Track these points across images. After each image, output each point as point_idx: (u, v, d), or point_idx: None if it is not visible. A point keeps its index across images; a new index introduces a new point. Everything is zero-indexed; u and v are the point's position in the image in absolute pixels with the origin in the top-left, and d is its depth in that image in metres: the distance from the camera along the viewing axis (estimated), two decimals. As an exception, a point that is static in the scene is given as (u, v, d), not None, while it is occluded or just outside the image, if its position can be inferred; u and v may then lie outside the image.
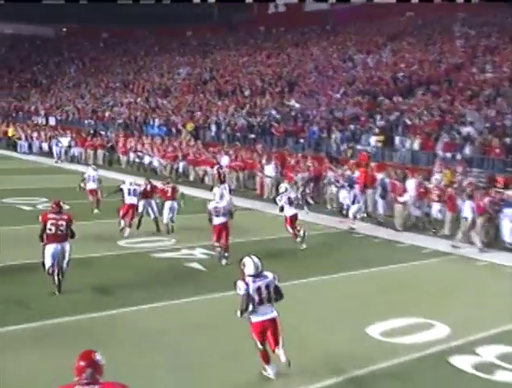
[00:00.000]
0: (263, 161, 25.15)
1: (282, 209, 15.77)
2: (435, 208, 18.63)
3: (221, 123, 36.85)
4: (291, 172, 23.55)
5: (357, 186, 19.89)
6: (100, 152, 34.71)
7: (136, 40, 64.63)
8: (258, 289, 7.91)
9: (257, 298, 7.89)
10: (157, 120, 41.00)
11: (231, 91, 42.52)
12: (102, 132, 39.81)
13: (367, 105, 32.39)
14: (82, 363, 4.85)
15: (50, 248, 11.16)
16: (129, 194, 17.01)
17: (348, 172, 21.32)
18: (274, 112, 35.71)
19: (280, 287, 8.15)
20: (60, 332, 9.50)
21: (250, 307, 7.87)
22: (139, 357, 8.62)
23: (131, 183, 17.28)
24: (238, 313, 7.91)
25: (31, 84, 61.38)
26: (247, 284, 7.89)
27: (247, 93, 41.39)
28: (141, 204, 17.34)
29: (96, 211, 20.23)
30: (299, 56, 45.29)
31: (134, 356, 8.58)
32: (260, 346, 8.00)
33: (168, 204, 17.30)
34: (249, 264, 8.04)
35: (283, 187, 16.55)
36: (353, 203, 18.81)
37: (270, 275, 8.07)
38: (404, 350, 9.29)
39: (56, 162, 35.60)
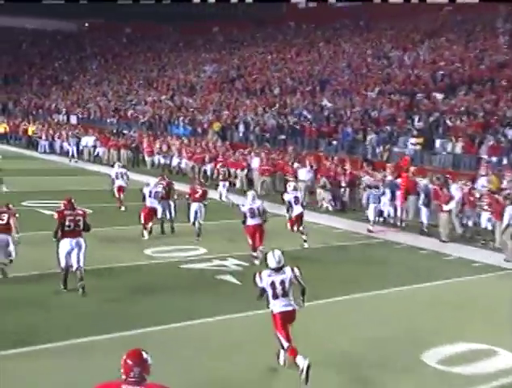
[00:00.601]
0: (296, 164, 24.43)
1: (288, 210, 16.10)
2: (484, 217, 17.81)
3: (250, 123, 36.28)
4: (326, 176, 22.80)
5: (399, 192, 19.12)
6: (124, 152, 34.23)
7: (160, 35, 64.08)
8: (272, 284, 8.41)
9: (271, 292, 8.41)
10: (182, 120, 40.53)
11: (259, 90, 41.93)
12: (126, 132, 39.34)
13: (404, 105, 31.59)
14: (130, 361, 4.96)
15: (66, 243, 11.45)
16: (150, 196, 17.09)
17: (389, 177, 20.50)
18: (305, 112, 35.02)
19: (302, 280, 8.55)
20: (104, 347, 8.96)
21: (271, 300, 8.43)
22: (175, 376, 8.00)
23: (155, 185, 17.37)
24: (257, 297, 8.65)
25: (51, 81, 61.27)
26: (261, 277, 8.50)
27: (276, 91, 40.77)
28: (159, 206, 17.41)
29: (123, 208, 20.57)
30: (330, 54, 44.56)
31: (171, 374, 7.97)
32: (286, 344, 8.27)
33: (195, 206, 17.12)
34: (271, 258, 8.58)
35: (291, 185, 16.94)
36: (368, 204, 18.90)
37: (288, 271, 8.51)
38: (465, 382, 8.56)
39: (71, 161, 35.32)
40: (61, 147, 39.12)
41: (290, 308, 8.43)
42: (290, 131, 33.76)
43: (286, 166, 25.78)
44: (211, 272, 13.60)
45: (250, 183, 25.99)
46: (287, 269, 8.56)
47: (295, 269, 8.59)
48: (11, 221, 12.42)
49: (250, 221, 14.53)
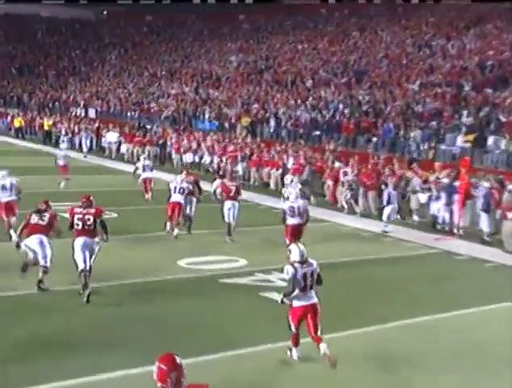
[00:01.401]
0: (338, 163, 23.40)
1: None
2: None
3: (281, 117, 35.44)
4: (369, 177, 21.75)
5: (457, 196, 18.06)
6: (150, 149, 33.41)
7: (183, 24, 63.65)
8: (305, 276, 8.74)
9: (302, 284, 8.70)
10: (207, 114, 39.79)
11: (290, 82, 41.02)
12: (148, 127, 38.56)
13: (450, 98, 30.41)
14: (164, 367, 4.84)
15: (79, 241, 11.44)
16: (175, 191, 17.02)
17: (445, 179, 19.40)
18: (341, 106, 34.01)
19: (321, 274, 8.97)
20: None
21: (296, 292, 8.71)
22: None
23: (181, 180, 17.23)
24: (280, 297, 8.98)
25: (68, 72, 61.15)
26: (296, 269, 8.73)
27: (309, 84, 39.86)
28: (228, 204, 17.22)
29: (147, 196, 21.56)
30: (366, 43, 43.48)
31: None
32: (294, 330, 8.87)
33: (228, 204, 16.89)
34: (295, 251, 8.87)
35: (288, 178, 17.87)
36: (387, 204, 18.53)
37: (314, 263, 8.92)
38: None
39: (85, 157, 34.86)
40: (81, 143, 38.34)
41: (314, 301, 8.83)
42: (325, 126, 32.85)
43: (324, 166, 24.71)
44: (255, 289, 12.63)
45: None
46: (313, 261, 8.96)
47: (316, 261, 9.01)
48: (54, 222, 12.19)
49: (290, 220, 14.45)
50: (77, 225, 11.51)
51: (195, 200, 17.90)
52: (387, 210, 18.57)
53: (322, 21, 52.20)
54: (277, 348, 9.41)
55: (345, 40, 45.97)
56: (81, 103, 50.43)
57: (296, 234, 14.33)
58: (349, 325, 10.61)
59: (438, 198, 18.98)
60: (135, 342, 9.59)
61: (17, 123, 44.23)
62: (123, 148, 33.56)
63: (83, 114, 48.77)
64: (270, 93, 40.04)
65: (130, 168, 27.12)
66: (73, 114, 48.58)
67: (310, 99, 36.55)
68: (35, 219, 12.05)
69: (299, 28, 52.58)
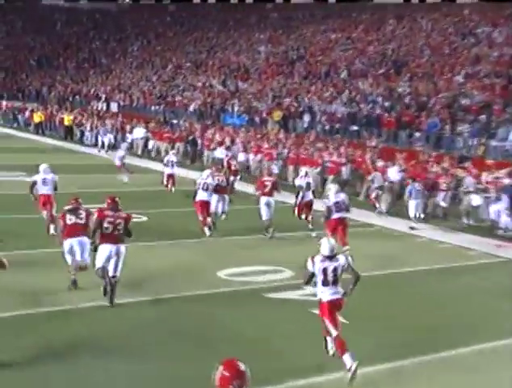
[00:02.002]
0: (382, 161, 22.30)
1: (297, 195, 16.83)
2: None
3: (316, 111, 34.60)
4: (418, 177, 20.62)
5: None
6: (179, 145, 32.53)
7: (208, 13, 63.07)
8: (324, 270, 8.78)
9: (322, 278, 8.79)
10: (236, 107, 39.02)
11: (324, 73, 40.10)
12: (175, 121, 37.73)
13: (500, 90, 29.21)
14: (227, 373, 4.76)
15: (105, 249, 11.08)
16: (199, 188, 16.85)
17: (507, 180, 18.27)
18: (380, 99, 32.94)
19: (355, 268, 8.96)
20: None
21: (319, 286, 8.86)
22: None
23: (208, 175, 17.01)
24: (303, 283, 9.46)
25: (89, 64, 61.00)
26: (314, 262, 8.83)
27: (344, 75, 38.85)
28: (214, 199, 17.27)
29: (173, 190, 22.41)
30: (405, 31, 42.35)
31: None
32: (334, 332, 8.69)
33: (264, 200, 16.82)
34: (325, 245, 8.94)
35: (303, 170, 18.08)
36: (411, 199, 18.56)
37: (342, 259, 8.92)
38: None
39: (106, 151, 34.22)
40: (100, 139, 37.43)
41: (338, 296, 8.84)
42: (364, 121, 31.88)
43: (365, 164, 23.63)
44: (305, 305, 11.59)
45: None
46: (341, 257, 8.99)
47: (349, 257, 9.07)
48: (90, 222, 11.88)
49: (335, 215, 14.61)
50: (107, 228, 11.10)
51: (227, 197, 17.76)
52: (411, 206, 18.53)
53: (356, 8, 51.06)
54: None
55: (381, 28, 44.92)
56: (103, 96, 50.15)
57: (342, 227, 14.67)
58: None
59: (497, 199, 17.85)
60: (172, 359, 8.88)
61: (37, 118, 43.54)
62: (151, 144, 32.55)
63: (104, 108, 48.38)
64: (303, 85, 39.08)
65: (158, 166, 26.39)
66: (95, 108, 48.09)
67: (346, 91, 35.62)
68: (72, 219, 11.85)
69: (331, 17, 51.57)
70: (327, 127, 33.18)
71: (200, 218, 16.61)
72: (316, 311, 10.98)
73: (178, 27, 62.94)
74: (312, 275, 8.90)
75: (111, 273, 11.05)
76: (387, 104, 32.04)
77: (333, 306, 8.84)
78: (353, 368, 8.30)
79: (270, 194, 16.85)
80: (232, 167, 23.82)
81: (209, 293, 12.29)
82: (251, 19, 58.00)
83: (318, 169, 24.17)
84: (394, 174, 21.31)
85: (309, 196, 17.42)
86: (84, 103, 50.41)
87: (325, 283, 8.84)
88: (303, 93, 37.80)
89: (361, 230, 17.92)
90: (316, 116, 34.31)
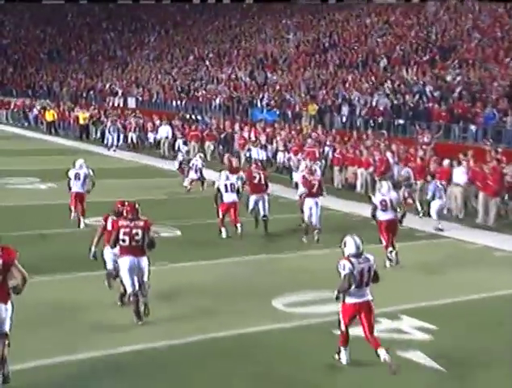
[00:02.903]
0: (447, 161, 20.56)
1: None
2: None
3: (355, 104, 33.27)
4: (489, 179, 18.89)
5: None
6: (210, 145, 30.92)
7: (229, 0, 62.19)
8: (362, 271, 8.77)
9: (358, 280, 8.74)
10: (266, 101, 37.82)
11: (361, 62, 38.61)
12: (199, 118, 36.28)
13: None
14: None
15: (126, 261, 10.54)
16: (226, 190, 16.64)
17: None
18: (428, 89, 31.28)
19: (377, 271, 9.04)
20: None
21: (353, 288, 8.72)
22: None
23: (227, 177, 16.90)
24: (335, 293, 8.90)
25: (103, 57, 60.83)
26: (352, 264, 8.74)
27: (383, 63, 37.34)
28: (252, 199, 16.98)
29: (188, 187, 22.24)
30: (450, 13, 40.53)
31: None
32: (343, 328, 9.00)
33: (309, 201, 16.23)
34: (351, 243, 8.90)
35: (303, 164, 17.82)
36: (433, 198, 17.75)
37: (371, 258, 8.96)
38: None
39: (112, 150, 33.29)
40: (126, 138, 36.04)
41: (368, 298, 8.88)
42: (411, 114, 30.37)
43: (421, 163, 21.85)
44: (386, 344, 9.89)
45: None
46: (370, 256, 8.97)
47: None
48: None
49: (383, 216, 14.09)
50: (124, 241, 10.53)
51: (267, 197, 17.24)
52: (434, 206, 17.71)
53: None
54: None
55: (421, 11, 43.18)
56: (119, 91, 49.55)
57: (392, 230, 14.13)
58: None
59: None
60: None
61: (49, 116, 42.18)
62: (180, 143, 30.78)
63: (121, 104, 47.73)
64: (340, 75, 37.52)
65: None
66: (111, 104, 47.58)
67: (388, 81, 34.04)
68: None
69: (365, 0, 49.79)
70: (369, 121, 31.68)
71: (220, 216, 16.59)
72: (407, 355, 9.56)
73: (198, 16, 62.18)
74: (351, 277, 8.73)
75: (130, 289, 10.57)
76: (436, 94, 30.41)
77: (360, 310, 8.85)
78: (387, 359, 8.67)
79: (316, 194, 16.28)
80: (234, 164, 21.87)
81: (267, 330, 10.67)
82: (276, 5, 56.69)
83: (370, 169, 22.53)
84: (460, 175, 19.57)
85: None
86: (99, 99, 49.78)
87: (359, 284, 8.82)
88: (339, 84, 36.32)
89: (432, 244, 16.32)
90: (356, 109, 32.94)
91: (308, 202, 16.19)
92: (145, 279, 10.56)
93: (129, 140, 35.75)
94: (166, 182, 24.50)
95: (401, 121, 30.35)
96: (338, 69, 38.87)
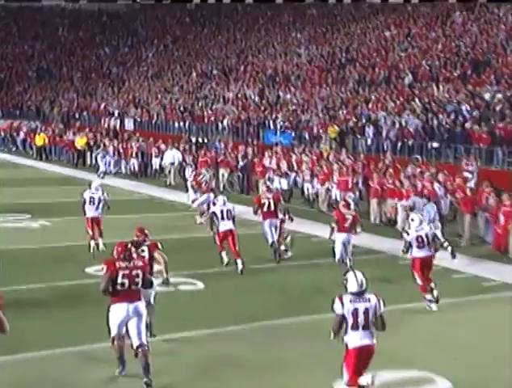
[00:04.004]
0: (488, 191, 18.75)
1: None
2: None
3: (381, 125, 31.93)
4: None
5: None
6: (225, 173, 29.12)
7: (232, 11, 61.97)
8: (355, 312, 8.44)
9: (351, 321, 8.43)
10: (279, 122, 36.51)
11: (384, 78, 37.12)
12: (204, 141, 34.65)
13: None
14: None
15: (120, 310, 9.83)
16: (222, 217, 16.35)
17: None
18: (464, 107, 29.73)
19: (384, 317, 8.55)
20: None
21: (349, 330, 8.44)
22: None
23: (224, 203, 16.57)
24: (332, 335, 8.56)
25: (97, 74, 60.40)
26: (343, 303, 8.45)
27: (408, 80, 35.86)
28: (266, 225, 16.99)
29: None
30: (480, 24, 39.15)
31: None
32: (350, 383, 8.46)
33: (341, 236, 15.68)
34: (352, 280, 8.60)
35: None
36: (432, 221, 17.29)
37: (373, 299, 8.53)
38: None
39: (101, 177, 31.55)
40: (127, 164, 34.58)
41: (369, 342, 8.45)
42: (446, 135, 29.01)
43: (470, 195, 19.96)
44: None
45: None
46: (372, 297, 8.58)
47: (381, 299, 8.60)
48: (157, 256, 11.39)
49: (418, 253, 13.62)
50: (123, 285, 9.87)
51: (278, 222, 17.24)
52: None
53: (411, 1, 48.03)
54: None
55: (446, 22, 41.86)
56: (116, 112, 48.61)
57: (427, 268, 13.66)
58: None
59: None
60: None
61: (40, 140, 40.37)
62: (188, 170, 28.86)
63: (118, 125, 46.67)
64: (362, 93, 35.97)
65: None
66: (106, 126, 46.51)
67: (416, 99, 32.63)
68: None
69: (382, 12, 48.82)
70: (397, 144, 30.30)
71: (217, 243, 16.35)
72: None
73: (200, 29, 61.51)
74: (342, 319, 8.44)
75: (135, 342, 9.77)
76: (475, 113, 28.88)
77: (361, 355, 8.44)
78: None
79: (349, 230, 15.67)
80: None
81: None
82: (284, 18, 55.93)
83: (410, 202, 20.60)
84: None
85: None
86: (93, 121, 48.83)
87: (354, 327, 8.44)
88: (361, 103, 34.86)
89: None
90: (383, 131, 31.47)
91: (340, 238, 15.63)
92: (143, 327, 9.88)
93: (130, 166, 34.10)
94: (177, 217, 22.46)
95: (435, 144, 28.97)
96: (359, 87, 37.42)
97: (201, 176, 22.62)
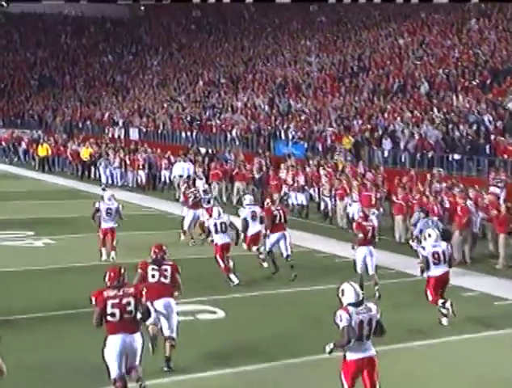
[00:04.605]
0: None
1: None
2: None
3: (398, 136, 30.97)
4: None
5: None
6: (240, 186, 27.71)
7: (239, 18, 61.55)
8: (361, 323, 8.32)
9: (357, 333, 8.29)
10: (291, 133, 35.51)
11: (399, 87, 36.20)
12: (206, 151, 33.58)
13: None
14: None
15: (116, 342, 9.29)
16: (216, 231, 16.06)
17: None
18: (486, 118, 28.82)
19: (382, 322, 8.47)
20: None
21: (351, 342, 8.32)
22: None
23: (219, 215, 16.29)
24: (329, 347, 8.26)
25: (100, 83, 59.75)
26: (350, 315, 8.27)
27: (424, 89, 34.94)
28: (273, 238, 16.62)
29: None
30: (499, 32, 38.26)
31: None
32: None
33: (363, 250, 15.24)
34: (349, 291, 8.48)
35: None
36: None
37: (373, 308, 8.49)
38: None
39: (104, 189, 29.63)
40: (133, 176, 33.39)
41: (371, 353, 8.38)
42: (468, 147, 28.08)
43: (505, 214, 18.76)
44: None
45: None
46: (372, 305, 8.53)
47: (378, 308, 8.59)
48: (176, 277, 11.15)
49: (433, 272, 13.27)
50: (113, 315, 9.34)
51: (288, 235, 16.85)
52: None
53: (425, 7, 47.08)
54: None
55: (462, 29, 40.87)
56: (120, 121, 47.65)
57: (443, 286, 13.42)
58: None
59: None
60: None
61: (42, 151, 39.16)
62: (200, 184, 27.46)
63: (122, 135, 45.86)
64: (376, 103, 34.99)
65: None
66: (111, 135, 45.64)
67: (435, 109, 31.71)
68: (155, 276, 10.93)
69: (395, 19, 47.89)
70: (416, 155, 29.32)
71: (222, 265, 15.86)
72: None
73: (206, 36, 60.84)
74: (350, 330, 8.21)
75: (115, 374, 9.28)
76: (499, 124, 27.95)
77: (362, 366, 8.33)
78: None
79: (371, 242, 15.38)
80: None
81: None
82: (292, 25, 55.25)
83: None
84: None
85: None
86: (97, 130, 47.92)
87: (359, 338, 8.32)
88: (376, 112, 33.88)
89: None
90: (400, 142, 30.53)
91: (362, 251, 15.22)
92: (137, 362, 9.38)
93: (137, 179, 33.00)
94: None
95: (457, 156, 27.97)
96: (373, 96, 36.44)
97: (190, 190, 21.11)
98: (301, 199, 24.46)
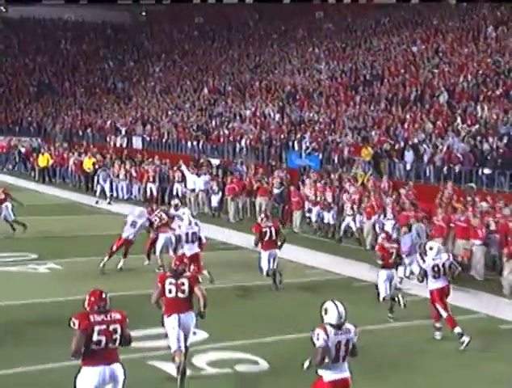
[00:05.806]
0: None
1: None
2: None
3: (421, 148, 29.18)
4: None
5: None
6: (263, 202, 25.39)
7: (243, 25, 60.01)
8: (338, 344, 8.21)
9: (333, 354, 8.18)
10: (305, 143, 33.55)
11: (416, 97, 34.32)
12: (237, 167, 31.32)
13: None
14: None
15: (93, 375, 8.38)
16: (187, 241, 16.02)
17: None
18: (515, 128, 27.30)
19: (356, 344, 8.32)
20: None
21: (329, 363, 8.17)
22: None
23: (190, 224, 16.22)
24: (306, 364, 8.22)
25: (101, 89, 58.63)
26: (328, 335, 8.13)
27: (443, 98, 33.12)
28: (265, 257, 16.19)
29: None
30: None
31: None
32: None
33: (385, 273, 14.73)
34: (332, 311, 8.29)
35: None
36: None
37: (352, 329, 8.38)
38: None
39: (97, 203, 29.56)
40: (145, 190, 31.18)
41: (346, 375, 8.29)
42: (499, 161, 26.25)
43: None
44: None
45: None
46: (351, 327, 8.39)
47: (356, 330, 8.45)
48: (197, 291, 10.49)
49: (434, 285, 13.23)
50: (98, 343, 8.45)
51: (278, 252, 16.47)
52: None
53: (439, 13, 45.55)
54: None
55: (479, 37, 39.16)
56: (123, 129, 45.98)
57: (445, 297, 13.26)
58: None
59: None
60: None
61: (43, 161, 37.16)
62: (215, 199, 25.05)
63: (124, 144, 44.11)
64: (394, 112, 33.13)
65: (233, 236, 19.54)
66: (112, 144, 44.01)
67: (458, 120, 29.85)
68: (171, 291, 10.46)
69: (406, 26, 46.20)
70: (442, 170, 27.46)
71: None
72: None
73: (209, 43, 59.40)
74: (325, 350, 8.00)
75: None
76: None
77: (337, 387, 8.17)
78: None
79: (393, 266, 14.94)
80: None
81: None
82: (299, 32, 53.67)
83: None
84: None
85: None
86: (98, 139, 46.40)
87: (335, 359, 8.11)
88: (395, 123, 32.06)
89: None
90: (424, 155, 28.72)
91: (383, 275, 14.68)
92: None
93: (145, 191, 30.97)
94: (213, 257, 18.55)
95: (487, 171, 26.14)
96: (391, 106, 34.64)
97: (154, 214, 18.57)
98: (328, 217, 22.25)
